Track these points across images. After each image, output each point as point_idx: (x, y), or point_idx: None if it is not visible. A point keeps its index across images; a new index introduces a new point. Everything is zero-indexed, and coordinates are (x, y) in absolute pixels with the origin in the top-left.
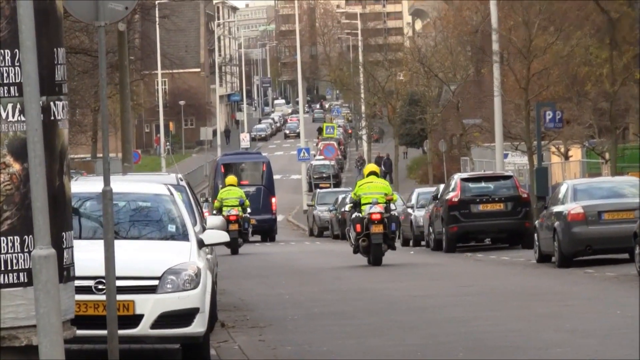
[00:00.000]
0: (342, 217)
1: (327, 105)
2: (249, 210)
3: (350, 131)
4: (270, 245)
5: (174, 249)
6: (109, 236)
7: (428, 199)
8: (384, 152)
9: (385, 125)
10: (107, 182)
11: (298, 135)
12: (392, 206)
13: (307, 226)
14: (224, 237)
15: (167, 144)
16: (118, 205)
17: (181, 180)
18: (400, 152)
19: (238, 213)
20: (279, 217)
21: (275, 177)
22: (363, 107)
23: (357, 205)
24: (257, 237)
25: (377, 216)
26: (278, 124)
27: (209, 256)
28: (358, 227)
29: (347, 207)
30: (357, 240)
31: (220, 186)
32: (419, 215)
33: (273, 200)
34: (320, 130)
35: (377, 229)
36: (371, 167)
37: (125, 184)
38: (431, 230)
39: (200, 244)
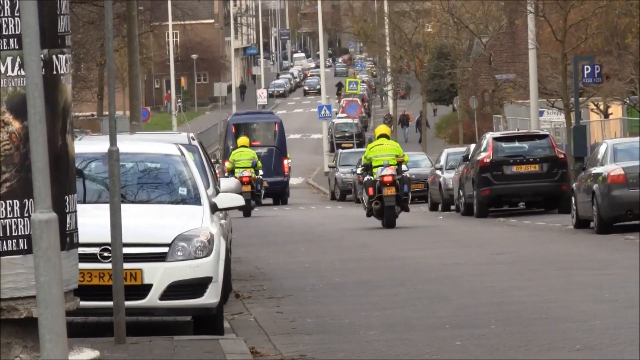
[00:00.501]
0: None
1: (349, 59)
2: (261, 172)
3: (374, 87)
4: (288, 209)
5: (186, 214)
6: (116, 200)
7: (458, 160)
8: (410, 109)
9: (412, 81)
10: (113, 141)
11: (318, 93)
12: (404, 167)
13: (329, 189)
14: (239, 200)
15: (179, 100)
16: (125, 166)
17: (193, 139)
18: (428, 109)
19: (250, 175)
20: (298, 180)
21: (294, 136)
22: (388, 61)
23: (368, 168)
24: (269, 201)
25: (389, 178)
26: (297, 79)
27: (222, 221)
28: (370, 190)
29: (358, 170)
30: (370, 203)
31: (232, 147)
32: (448, 177)
33: (285, 162)
34: (340, 85)
35: (389, 191)
36: (382, 129)
37: (133, 144)
38: (461, 193)
39: (214, 208)
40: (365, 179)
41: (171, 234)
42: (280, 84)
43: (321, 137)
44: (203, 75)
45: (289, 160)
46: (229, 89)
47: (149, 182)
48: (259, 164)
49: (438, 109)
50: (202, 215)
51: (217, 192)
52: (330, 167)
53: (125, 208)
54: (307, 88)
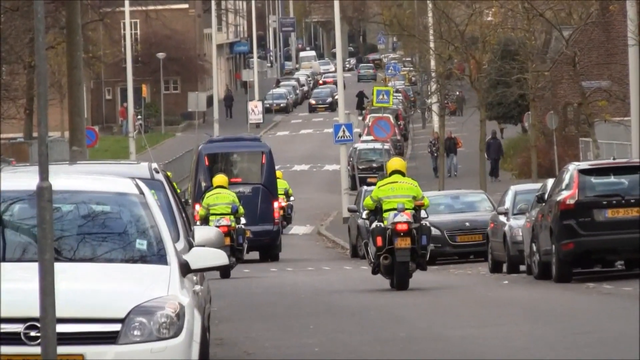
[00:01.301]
0: None
1: (378, 60)
2: (243, 220)
3: (413, 99)
4: (291, 270)
5: (145, 277)
6: (47, 257)
7: (530, 202)
8: (464, 129)
9: (467, 90)
10: (44, 174)
11: (330, 108)
12: (423, 213)
13: (349, 242)
14: (221, 257)
15: (138, 117)
16: (62, 210)
17: (157, 172)
18: (488, 129)
19: (230, 223)
20: (306, 229)
21: (301, 167)
22: (433, 63)
23: (377, 212)
24: (254, 255)
25: (404, 226)
26: (305, 88)
27: (197, 287)
28: (379, 240)
29: (364, 215)
30: (378, 257)
31: (205, 185)
32: (517, 225)
33: (275, 204)
34: (364, 96)
35: (403, 242)
36: (395, 163)
37: (73, 179)
38: (534, 248)
39: (185, 268)
40: (373, 225)
41: (125, 305)
42: (282, 94)
43: (338, 168)
44: (173, 82)
45: (292, 199)
46: (210, 101)
47: (94, 232)
48: (241, 209)
49: (503, 129)
50: (169, 278)
51: (191, 245)
52: (351, 210)
53: (60, 269)
54: (313, 101)
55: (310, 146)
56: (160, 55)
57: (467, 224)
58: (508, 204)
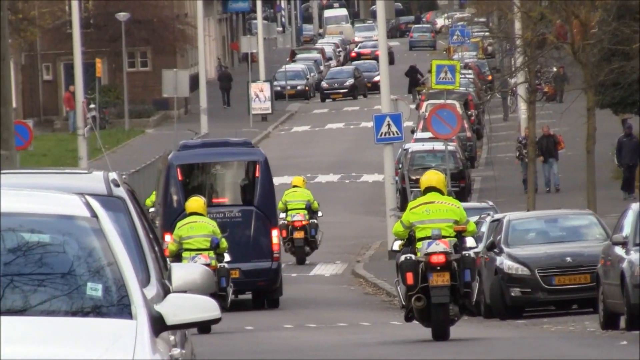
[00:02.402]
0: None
1: (437, 23)
2: (227, 256)
3: (490, 77)
4: (314, 327)
5: (101, 337)
6: None
7: None
8: (562, 123)
9: (568, 65)
10: None
11: (349, 94)
12: (471, 242)
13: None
14: (209, 308)
15: (91, 107)
16: None
17: (117, 185)
18: (599, 120)
19: (209, 262)
20: (335, 268)
21: (329, 178)
22: (518, 25)
23: (411, 241)
24: (247, 296)
25: (440, 258)
26: (332, 62)
27: (176, 350)
28: (409, 277)
29: (395, 246)
30: (409, 298)
31: (175, 206)
32: (638, 259)
33: (274, 233)
34: (418, 74)
35: (439, 279)
36: (431, 177)
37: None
38: None
39: (159, 324)
40: (402, 258)
41: None
42: (299, 73)
43: (382, 179)
44: (141, 55)
45: (320, 215)
46: (194, 81)
47: (25, 273)
48: (223, 243)
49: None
50: (135, 338)
51: (166, 291)
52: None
53: None
54: (325, 84)
55: (340, 147)
56: (122, 15)
57: (569, 259)
58: (627, 229)
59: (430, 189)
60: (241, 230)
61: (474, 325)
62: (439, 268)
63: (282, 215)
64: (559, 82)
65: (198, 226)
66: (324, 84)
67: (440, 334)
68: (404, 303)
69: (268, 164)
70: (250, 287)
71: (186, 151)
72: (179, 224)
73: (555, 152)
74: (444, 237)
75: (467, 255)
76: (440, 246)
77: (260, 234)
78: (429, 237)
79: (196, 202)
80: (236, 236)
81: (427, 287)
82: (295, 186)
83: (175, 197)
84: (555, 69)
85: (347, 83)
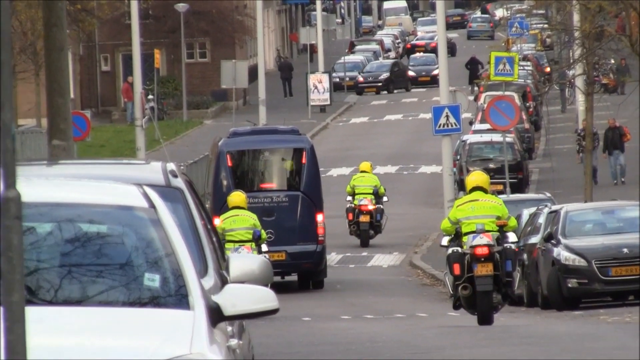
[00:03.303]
0: (533, 257)
1: (493, 13)
2: (264, 247)
3: (548, 69)
4: (371, 318)
5: (159, 328)
6: (15, 298)
7: None
8: (623, 114)
9: (628, 56)
10: (10, 180)
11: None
12: (512, 236)
13: None
14: (268, 299)
15: (150, 98)
16: (37, 231)
17: (176, 176)
18: None
19: (251, 253)
20: (392, 258)
21: (387, 169)
22: (576, 17)
23: (458, 236)
24: (293, 277)
25: (484, 250)
26: (392, 53)
27: (234, 341)
28: (456, 267)
29: (444, 241)
30: (456, 287)
31: (225, 192)
32: None
33: (319, 217)
34: (477, 64)
35: (483, 269)
36: (477, 178)
37: (54, 186)
38: None
39: (216, 314)
40: (449, 251)
41: None
42: (358, 64)
43: (440, 170)
44: (200, 46)
45: (385, 199)
46: (253, 73)
47: (84, 264)
48: (264, 234)
49: None
50: (192, 329)
51: (224, 281)
52: (443, 246)
53: (37, 315)
54: (361, 78)
55: (399, 139)
56: (181, 6)
57: (626, 250)
58: None
59: (475, 188)
60: (288, 214)
61: (530, 316)
62: (483, 259)
63: (349, 198)
64: (621, 74)
65: (240, 219)
66: (359, 77)
67: (485, 320)
68: (452, 292)
69: (314, 151)
70: (296, 269)
71: (236, 138)
72: (221, 217)
73: (621, 144)
74: (487, 231)
75: (508, 247)
76: (484, 239)
77: (306, 218)
78: (473, 232)
79: (238, 197)
80: (283, 220)
81: (473, 277)
82: (363, 171)
83: (224, 182)
84: (613, 61)
85: (382, 77)
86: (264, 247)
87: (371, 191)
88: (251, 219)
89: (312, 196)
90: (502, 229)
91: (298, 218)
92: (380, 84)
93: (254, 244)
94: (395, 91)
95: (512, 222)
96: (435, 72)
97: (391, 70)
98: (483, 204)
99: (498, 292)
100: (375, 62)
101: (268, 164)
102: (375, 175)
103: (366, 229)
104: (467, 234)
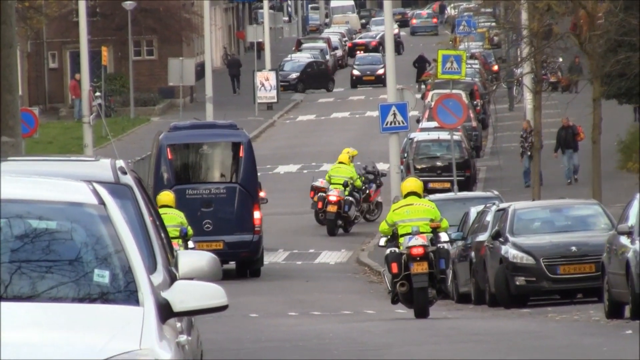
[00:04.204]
0: (481, 254)
1: (446, 12)
2: (191, 244)
3: (495, 68)
4: (318, 316)
5: (108, 324)
6: None
7: None
8: (572, 113)
9: (576, 56)
10: None
11: (293, 87)
12: (444, 236)
13: None
14: (217, 295)
15: (97, 95)
16: None
17: (124, 172)
18: (609, 110)
19: (177, 249)
20: (340, 255)
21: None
22: (524, 16)
23: (394, 237)
24: (231, 265)
25: (419, 250)
26: (339, 52)
27: (183, 337)
28: (394, 266)
29: (381, 242)
30: (394, 285)
31: (165, 182)
32: None
33: (255, 208)
34: (425, 62)
35: (419, 267)
36: (411, 184)
37: (4, 182)
38: None
39: (166, 310)
40: (387, 251)
41: None
42: (305, 62)
43: (387, 168)
44: (147, 43)
45: (347, 196)
46: (200, 70)
47: (33, 260)
48: (190, 231)
49: (622, 112)
50: (142, 325)
51: (173, 278)
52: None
53: None
54: (357, 72)
55: (346, 136)
56: (129, 4)
57: (574, 248)
58: (633, 219)
59: (410, 193)
60: (225, 205)
61: (478, 313)
62: (418, 259)
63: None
64: (574, 72)
65: (168, 217)
66: (355, 71)
67: (422, 313)
68: (390, 289)
69: (251, 145)
70: (234, 258)
71: (176, 132)
72: None
73: (575, 143)
74: (422, 233)
75: (441, 247)
76: (419, 240)
77: (243, 209)
78: (409, 234)
79: (166, 196)
80: (221, 211)
81: (409, 275)
82: (340, 162)
83: (165, 175)
84: (561, 60)
85: (291, 77)
86: (191, 244)
87: (342, 182)
88: (178, 217)
89: (249, 188)
90: (435, 231)
91: (235, 209)
92: (287, 84)
93: (180, 240)
94: (307, 91)
95: (444, 223)
96: (380, 71)
97: (303, 71)
98: (417, 208)
99: (433, 287)
100: (290, 62)
101: (207, 157)
102: (352, 166)
103: (332, 219)
104: (403, 235)
